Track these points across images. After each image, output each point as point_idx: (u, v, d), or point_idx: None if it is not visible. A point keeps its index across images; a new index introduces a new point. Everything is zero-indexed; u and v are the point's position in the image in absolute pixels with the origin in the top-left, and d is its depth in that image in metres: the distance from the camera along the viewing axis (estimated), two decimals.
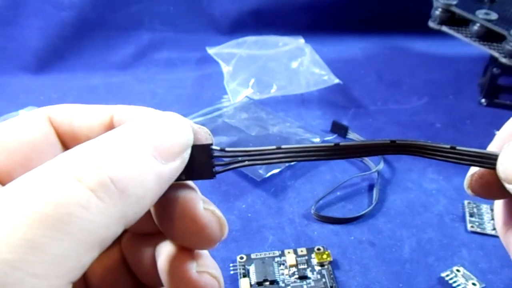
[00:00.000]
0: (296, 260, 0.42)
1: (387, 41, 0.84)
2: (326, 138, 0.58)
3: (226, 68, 0.72)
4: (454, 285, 0.40)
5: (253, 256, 0.43)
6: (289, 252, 0.43)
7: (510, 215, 0.20)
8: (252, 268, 0.41)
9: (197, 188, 0.19)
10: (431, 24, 0.63)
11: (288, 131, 0.59)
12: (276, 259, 0.42)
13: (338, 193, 0.51)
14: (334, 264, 0.42)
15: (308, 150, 0.19)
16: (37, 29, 0.73)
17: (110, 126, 0.18)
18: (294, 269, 0.42)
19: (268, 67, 0.71)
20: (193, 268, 0.18)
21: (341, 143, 0.19)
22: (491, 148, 0.21)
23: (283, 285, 0.40)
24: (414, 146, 0.19)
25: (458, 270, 0.41)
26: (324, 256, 0.42)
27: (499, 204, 0.21)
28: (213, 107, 0.65)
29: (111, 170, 0.14)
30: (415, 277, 0.41)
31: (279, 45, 0.75)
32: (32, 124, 0.18)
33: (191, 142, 0.17)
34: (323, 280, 0.40)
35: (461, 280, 0.40)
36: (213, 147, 0.18)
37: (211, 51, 0.77)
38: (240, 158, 0.19)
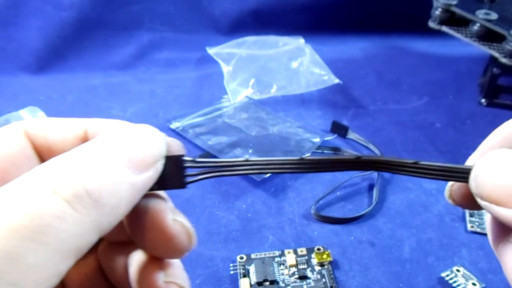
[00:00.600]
0: (296, 260, 0.42)
1: (387, 41, 0.84)
2: (326, 138, 0.58)
3: (226, 68, 0.72)
4: (454, 285, 0.40)
5: (253, 256, 0.43)
6: (289, 252, 0.43)
7: (500, 228, 0.20)
8: (252, 268, 0.41)
9: (168, 198, 0.20)
10: (431, 24, 0.63)
11: (288, 131, 0.59)
12: (276, 259, 0.42)
13: (338, 193, 0.51)
14: (334, 264, 0.42)
15: (274, 163, 0.19)
16: (37, 29, 0.73)
17: (85, 139, 0.18)
18: (294, 269, 0.42)
19: (268, 67, 0.71)
20: (160, 278, 0.19)
21: (307, 157, 0.19)
22: (473, 158, 0.21)
23: (283, 285, 0.40)
24: (379, 162, 0.20)
25: (458, 270, 0.41)
26: (324, 256, 0.42)
27: (488, 218, 0.21)
28: (213, 107, 0.65)
29: (86, 181, 0.15)
30: (415, 277, 0.41)
31: (279, 45, 0.75)
32: (8, 138, 0.18)
33: (164, 153, 0.18)
34: (323, 280, 0.40)
35: (461, 280, 0.40)
36: (185, 158, 0.19)
37: (211, 51, 0.77)
38: (210, 169, 0.19)
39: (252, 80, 0.68)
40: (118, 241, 0.21)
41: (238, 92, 0.67)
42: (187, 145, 0.58)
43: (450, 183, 0.21)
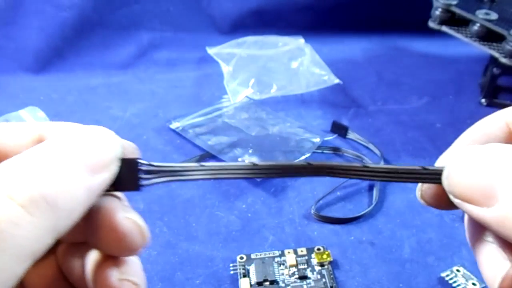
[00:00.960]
0: (296, 260, 0.42)
1: (387, 41, 0.84)
2: (326, 138, 0.58)
3: (226, 68, 0.72)
4: (454, 285, 0.40)
5: (253, 256, 0.43)
6: (289, 252, 0.43)
7: (475, 226, 0.20)
8: (252, 268, 0.41)
9: (123, 198, 0.20)
10: (431, 24, 0.63)
11: (288, 131, 0.59)
12: (276, 259, 0.42)
13: (338, 193, 0.51)
14: (334, 264, 0.42)
15: (227, 168, 0.20)
16: (37, 29, 0.73)
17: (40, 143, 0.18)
18: (294, 269, 0.42)
19: (268, 67, 0.71)
20: (113, 276, 0.19)
21: (260, 163, 0.20)
22: (444, 157, 0.21)
23: (283, 285, 0.40)
24: (328, 167, 0.20)
25: (458, 270, 0.41)
26: (324, 256, 0.42)
27: (466, 216, 0.21)
28: (213, 107, 0.65)
29: (41, 185, 0.15)
30: (415, 277, 0.41)
31: (279, 45, 0.75)
32: None
33: (119, 155, 0.18)
34: (323, 280, 0.40)
35: (461, 280, 0.40)
36: (140, 161, 0.19)
37: (211, 51, 0.77)
38: (165, 174, 0.20)
39: (252, 80, 0.68)
40: (75, 241, 0.21)
41: (238, 92, 0.67)
42: (187, 145, 0.58)
43: (420, 183, 0.21)
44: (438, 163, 0.21)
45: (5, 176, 0.15)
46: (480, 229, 0.20)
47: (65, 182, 0.15)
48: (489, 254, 0.19)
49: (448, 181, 0.19)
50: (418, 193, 0.21)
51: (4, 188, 0.14)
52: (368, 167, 0.20)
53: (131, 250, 0.19)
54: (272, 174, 0.20)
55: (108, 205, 0.18)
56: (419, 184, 0.21)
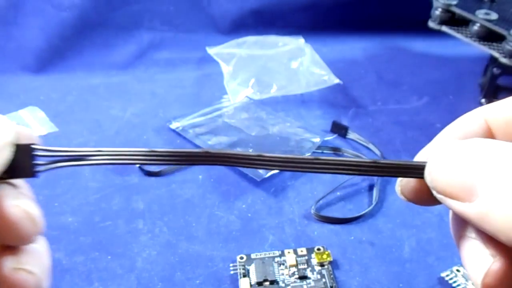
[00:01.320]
0: (296, 260, 0.42)
1: (387, 41, 0.84)
2: (326, 138, 0.58)
3: (226, 68, 0.72)
4: (454, 285, 0.40)
5: (253, 256, 0.43)
6: (289, 252, 0.43)
7: (459, 222, 0.20)
8: (252, 268, 0.41)
9: (21, 185, 0.19)
10: (431, 24, 0.63)
11: (288, 131, 0.59)
12: (276, 259, 0.42)
13: (338, 193, 0.51)
14: (334, 264, 0.42)
15: (125, 154, 0.20)
16: (37, 29, 0.73)
17: None
18: (294, 269, 0.42)
19: (268, 67, 0.71)
20: (6, 266, 0.18)
21: (159, 149, 0.20)
22: (422, 154, 0.21)
23: (283, 285, 0.40)
24: (225, 156, 0.20)
25: (458, 270, 0.41)
26: (324, 256, 0.42)
27: (450, 212, 0.21)
28: (213, 107, 0.65)
29: None
30: (415, 277, 0.41)
31: (279, 45, 0.75)
32: None
33: (11, 141, 0.18)
34: (323, 280, 0.40)
35: (461, 280, 0.40)
36: (35, 146, 0.19)
37: (211, 51, 0.77)
38: (63, 158, 0.19)
39: (252, 80, 0.68)
40: None
41: (238, 92, 0.67)
42: (187, 145, 0.58)
43: (399, 178, 0.21)
44: (418, 158, 0.21)
45: None
46: (463, 225, 0.20)
47: None
48: (472, 250, 0.19)
49: (431, 176, 0.18)
50: (397, 189, 0.21)
51: None
52: (320, 159, 0.20)
53: (23, 239, 0.18)
54: (170, 161, 0.20)
55: None
56: (398, 180, 0.21)
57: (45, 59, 0.74)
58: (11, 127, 0.18)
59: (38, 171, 0.19)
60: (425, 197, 0.20)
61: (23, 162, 0.18)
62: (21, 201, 0.18)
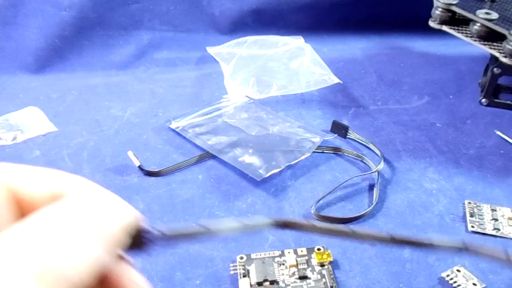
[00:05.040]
0: (296, 260, 0.42)
1: (387, 40, 0.83)
2: (326, 138, 0.57)
3: (226, 68, 0.72)
4: (455, 285, 0.40)
5: (253, 256, 0.43)
6: (289, 252, 0.43)
7: None
8: (252, 268, 0.41)
9: (129, 258, 0.20)
10: (432, 23, 0.63)
11: (288, 131, 0.59)
12: (276, 259, 0.42)
13: (338, 193, 0.51)
14: (334, 264, 0.42)
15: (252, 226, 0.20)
16: (36, 29, 0.73)
17: (54, 196, 0.18)
18: (294, 269, 0.41)
19: (268, 67, 0.71)
20: None
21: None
22: None
23: (283, 285, 0.40)
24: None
25: (458, 270, 0.41)
26: (324, 256, 0.42)
27: None
28: (213, 106, 0.65)
29: (55, 258, 0.15)
30: (415, 277, 0.41)
31: (279, 45, 0.75)
32: None
33: (132, 229, 0.18)
34: (323, 280, 0.40)
35: (461, 280, 0.40)
36: (152, 230, 0.19)
37: (211, 50, 0.77)
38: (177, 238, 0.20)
39: (252, 80, 0.68)
40: None
41: (238, 92, 0.67)
42: (187, 144, 0.58)
43: None
44: None
45: (29, 253, 0.15)
46: None
47: (79, 256, 0.15)
48: None
49: None
50: None
51: (29, 265, 0.15)
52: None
53: None
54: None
55: (116, 268, 0.19)
56: None
57: (44, 59, 0.73)
58: (132, 214, 0.18)
59: (151, 250, 0.19)
60: None
61: (138, 243, 0.19)
62: (137, 277, 0.19)
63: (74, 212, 0.16)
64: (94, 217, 0.16)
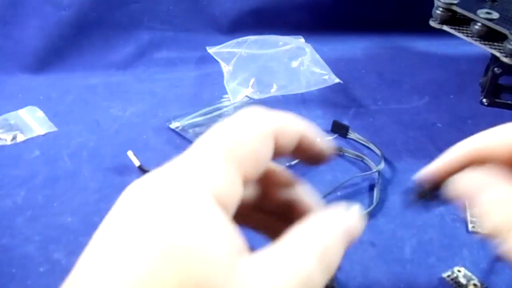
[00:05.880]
0: None
1: (388, 40, 0.83)
2: (326, 138, 0.57)
3: (226, 68, 0.71)
4: (455, 285, 0.40)
5: None
6: None
7: None
8: None
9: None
10: (432, 23, 0.63)
11: None
12: None
13: (339, 193, 0.50)
14: None
15: None
16: (36, 29, 0.73)
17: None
18: None
19: (268, 67, 0.71)
20: None
21: None
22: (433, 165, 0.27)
23: None
24: None
25: (459, 271, 0.41)
26: None
27: None
28: (213, 106, 0.65)
29: (329, 252, 0.22)
30: (416, 277, 0.41)
31: (279, 44, 0.74)
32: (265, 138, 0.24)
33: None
34: None
35: (462, 280, 0.40)
36: None
37: (211, 50, 0.77)
38: None
39: (252, 80, 0.68)
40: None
41: (238, 92, 0.67)
42: (187, 144, 0.57)
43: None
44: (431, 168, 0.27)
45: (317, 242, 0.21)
46: None
47: (340, 252, 0.22)
48: None
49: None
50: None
51: (317, 251, 0.20)
52: None
53: None
54: None
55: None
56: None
57: (44, 59, 0.73)
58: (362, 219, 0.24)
59: None
60: None
61: None
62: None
63: (333, 218, 0.23)
64: (345, 226, 0.23)
